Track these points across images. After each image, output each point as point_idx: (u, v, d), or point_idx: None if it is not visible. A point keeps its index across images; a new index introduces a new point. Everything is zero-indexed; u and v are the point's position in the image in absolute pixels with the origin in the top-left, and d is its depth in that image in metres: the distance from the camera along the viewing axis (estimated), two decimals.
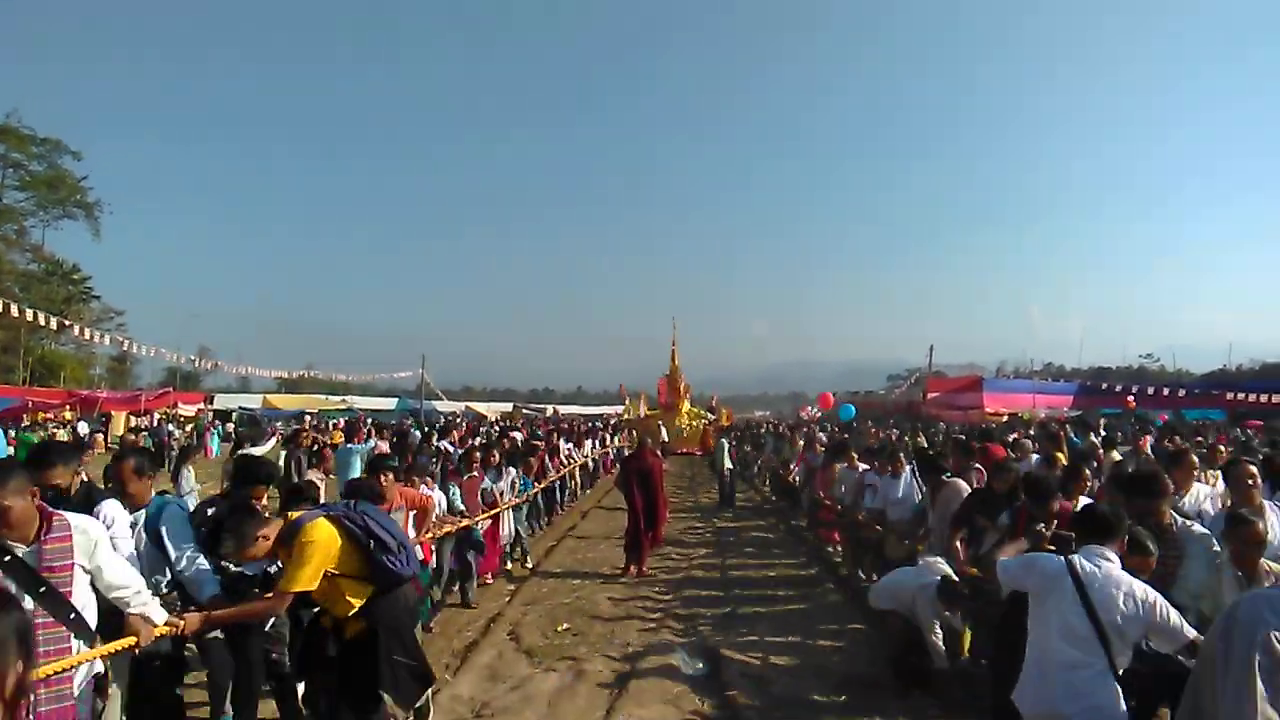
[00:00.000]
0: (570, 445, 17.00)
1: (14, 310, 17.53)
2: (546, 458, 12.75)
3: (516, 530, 9.48)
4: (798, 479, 13.30)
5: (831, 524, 10.06)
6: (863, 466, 9.07)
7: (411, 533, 5.42)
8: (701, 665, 5.79)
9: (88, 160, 50.73)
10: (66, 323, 21.42)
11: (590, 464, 18.68)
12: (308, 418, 32.69)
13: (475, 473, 8.26)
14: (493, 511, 8.23)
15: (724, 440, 16.57)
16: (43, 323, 18.01)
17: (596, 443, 21.49)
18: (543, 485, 11.67)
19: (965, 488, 6.22)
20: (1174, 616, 2.99)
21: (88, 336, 23.74)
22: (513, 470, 9.54)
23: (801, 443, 14.44)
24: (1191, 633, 2.95)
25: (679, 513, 13.84)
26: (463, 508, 7.61)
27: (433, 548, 6.63)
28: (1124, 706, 2.98)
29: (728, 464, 15.69)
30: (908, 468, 7.79)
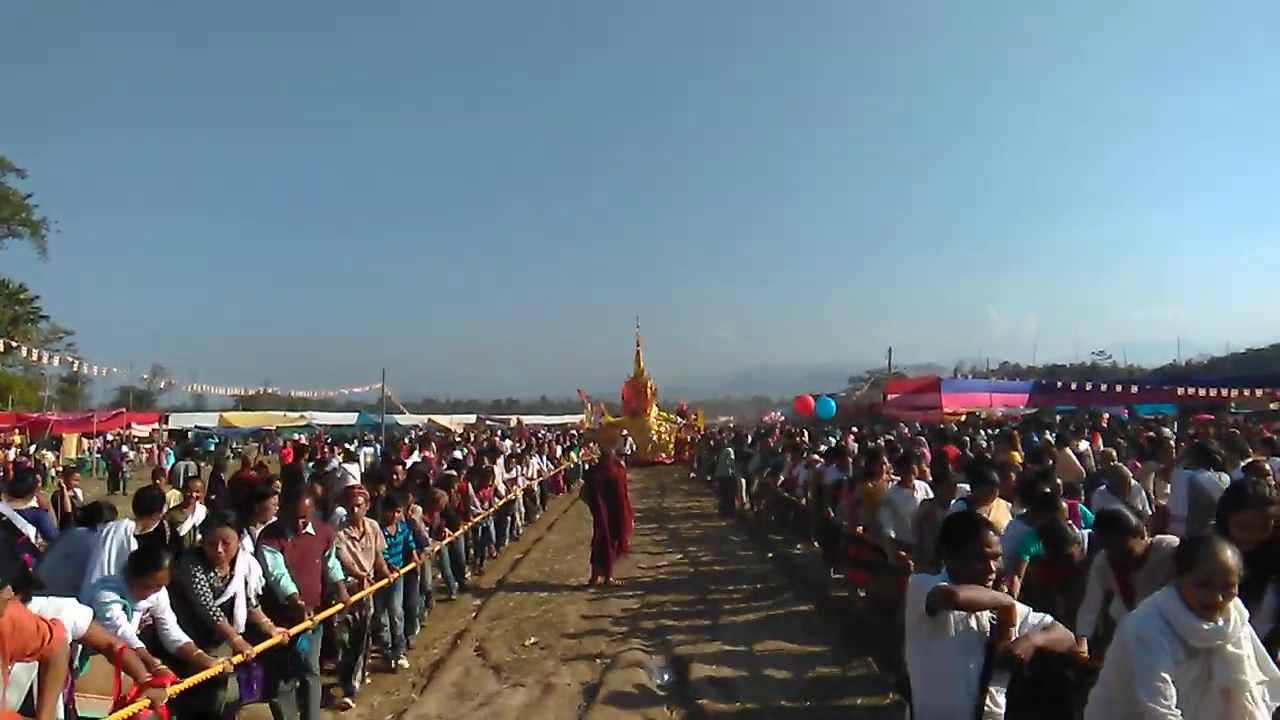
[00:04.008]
0: (516, 467, 13.67)
1: None
2: (470, 490, 10.02)
3: (391, 607, 6.29)
4: (807, 497, 10.67)
5: (867, 562, 7.16)
6: (920, 490, 6.46)
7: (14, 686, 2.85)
8: (670, 675, 5.82)
9: (34, 175, 49.31)
10: (14, 344, 20.75)
11: (536, 488, 15.36)
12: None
13: (308, 529, 5.13)
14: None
15: (729, 449, 16.66)
16: None
17: (545, 460, 17.93)
18: (454, 537, 8.55)
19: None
20: None
21: (36, 358, 23.04)
22: (341, 510, 6.14)
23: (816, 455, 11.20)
24: None
25: (644, 524, 13.87)
26: (291, 589, 4.71)
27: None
28: None
29: (730, 472, 15.66)
30: (1009, 517, 4.97)
